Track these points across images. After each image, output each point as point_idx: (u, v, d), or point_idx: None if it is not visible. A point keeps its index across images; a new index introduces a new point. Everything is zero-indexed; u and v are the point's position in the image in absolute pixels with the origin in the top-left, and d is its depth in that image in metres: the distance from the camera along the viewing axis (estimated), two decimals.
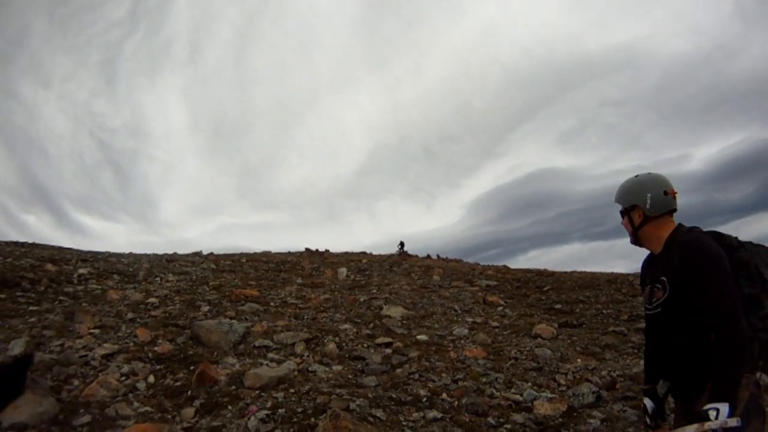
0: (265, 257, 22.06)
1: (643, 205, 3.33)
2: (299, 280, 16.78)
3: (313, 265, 20.70)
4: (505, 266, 24.39)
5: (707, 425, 2.83)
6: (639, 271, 3.65)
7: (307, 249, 27.21)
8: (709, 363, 2.96)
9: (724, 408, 2.83)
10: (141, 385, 7.33)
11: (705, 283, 2.97)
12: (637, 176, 3.44)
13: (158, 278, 14.14)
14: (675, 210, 3.36)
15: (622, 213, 3.49)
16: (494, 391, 8.02)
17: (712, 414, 2.84)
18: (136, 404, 6.79)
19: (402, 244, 31.30)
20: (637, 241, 3.47)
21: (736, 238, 3.25)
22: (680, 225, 3.33)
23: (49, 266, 13.14)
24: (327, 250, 27.42)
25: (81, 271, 13.24)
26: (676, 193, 3.33)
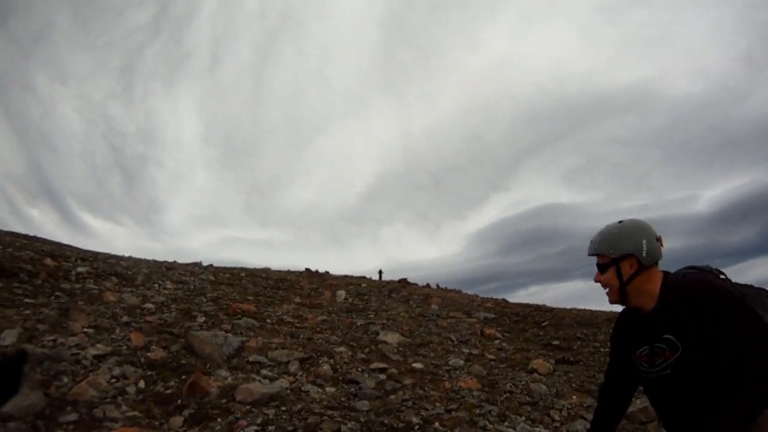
0: (264, 274, 21.94)
1: (639, 254, 2.80)
2: (297, 299, 16.66)
3: (312, 285, 20.59)
4: (504, 300, 24.26)
5: None
6: None
7: (307, 269, 27.10)
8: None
9: None
10: (131, 389, 7.22)
11: (734, 326, 2.55)
12: (621, 222, 2.91)
13: (156, 284, 14.03)
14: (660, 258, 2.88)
15: (604, 265, 2.89)
16: (487, 423, 7.90)
17: None
18: (124, 407, 6.68)
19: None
20: (623, 297, 2.89)
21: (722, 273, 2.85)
22: (667, 273, 2.88)
23: (49, 261, 13.05)
24: (327, 272, 27.32)
25: (80, 269, 13.13)
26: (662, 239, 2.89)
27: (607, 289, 2.91)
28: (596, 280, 2.95)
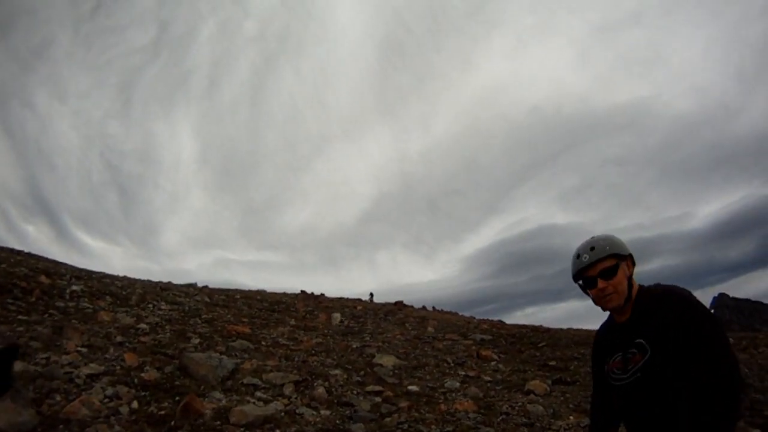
0: (259, 296, 21.91)
1: (631, 253, 2.94)
2: (292, 322, 16.62)
3: (307, 308, 20.53)
4: (500, 321, 24.24)
5: None
6: None
7: (302, 291, 27.05)
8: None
9: None
10: (124, 410, 7.15)
11: (702, 333, 2.59)
12: (593, 237, 3.02)
13: (151, 305, 13.99)
14: None
15: (611, 268, 2.88)
16: None
17: None
18: (117, 428, 6.61)
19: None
20: (630, 296, 2.89)
21: None
22: (640, 284, 2.96)
23: (43, 278, 13.01)
24: (322, 294, 27.25)
25: (74, 287, 13.09)
26: None
27: (614, 293, 2.90)
28: (603, 288, 2.90)
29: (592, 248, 2.93)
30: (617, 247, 2.90)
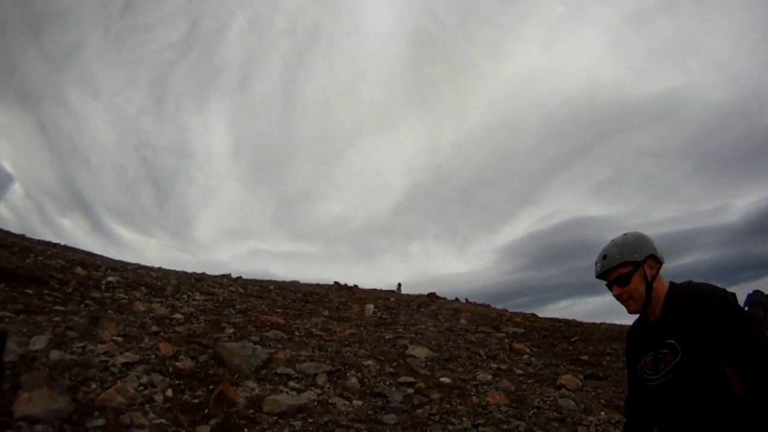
0: (293, 286, 21.97)
1: (656, 252, 2.83)
2: (326, 313, 16.64)
3: (340, 299, 20.54)
4: (533, 314, 23.93)
5: None
6: None
7: (336, 282, 27.07)
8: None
9: None
10: (158, 398, 7.25)
11: (737, 332, 2.53)
12: (625, 234, 2.94)
13: (185, 295, 14.11)
14: None
15: (627, 274, 2.82)
16: None
17: None
18: (151, 415, 6.70)
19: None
20: (647, 301, 2.82)
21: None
22: (672, 281, 2.87)
23: (79, 269, 13.21)
24: (355, 286, 27.24)
25: (110, 278, 13.27)
26: None
27: (630, 299, 2.86)
28: (619, 294, 2.87)
29: (604, 257, 2.89)
30: (630, 253, 2.83)
